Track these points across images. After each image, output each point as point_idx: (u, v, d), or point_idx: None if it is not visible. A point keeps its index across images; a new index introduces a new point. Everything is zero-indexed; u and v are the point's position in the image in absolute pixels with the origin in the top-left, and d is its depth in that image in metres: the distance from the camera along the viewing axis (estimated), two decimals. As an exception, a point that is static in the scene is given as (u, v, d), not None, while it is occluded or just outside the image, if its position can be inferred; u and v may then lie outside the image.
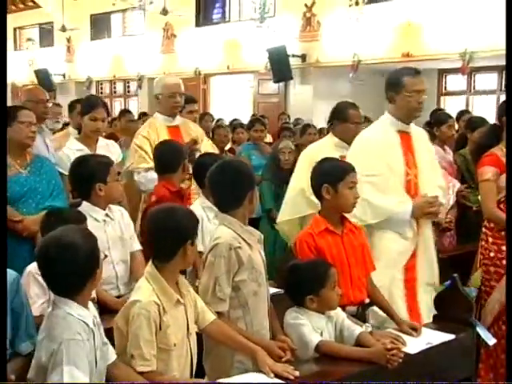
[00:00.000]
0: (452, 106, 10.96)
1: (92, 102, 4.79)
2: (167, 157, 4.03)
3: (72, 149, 4.55)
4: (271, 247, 4.96)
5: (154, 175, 4.21)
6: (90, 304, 2.38)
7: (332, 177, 3.08)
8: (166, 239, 2.47)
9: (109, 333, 2.47)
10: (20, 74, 17.65)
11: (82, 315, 2.25)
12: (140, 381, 2.35)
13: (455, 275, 3.21)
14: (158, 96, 4.75)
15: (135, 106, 15.69)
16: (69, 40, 17.11)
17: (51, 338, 2.19)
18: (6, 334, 2.31)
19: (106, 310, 3.09)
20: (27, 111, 3.97)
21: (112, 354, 2.42)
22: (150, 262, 2.54)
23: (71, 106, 6.33)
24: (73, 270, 2.21)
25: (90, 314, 2.32)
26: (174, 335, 2.46)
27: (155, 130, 4.65)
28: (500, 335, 3.61)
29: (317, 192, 3.15)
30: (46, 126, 5.07)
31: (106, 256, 2.79)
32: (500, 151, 3.89)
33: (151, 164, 4.31)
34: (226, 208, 2.79)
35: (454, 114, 6.38)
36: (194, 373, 2.61)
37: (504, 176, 3.78)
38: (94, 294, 2.99)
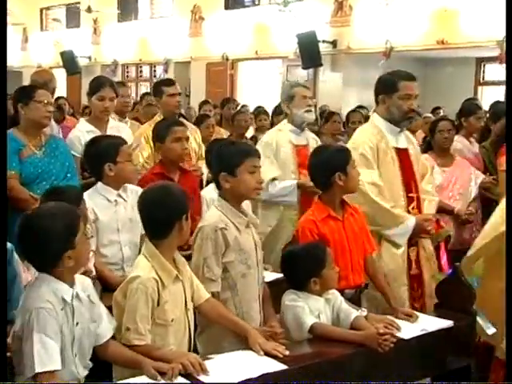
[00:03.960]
0: (490, 97, 10.57)
1: (99, 81, 4.75)
2: None
3: (82, 130, 4.54)
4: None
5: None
6: (84, 281, 2.44)
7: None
8: (162, 215, 2.53)
9: (109, 311, 2.54)
10: (45, 55, 17.56)
11: (58, 288, 2.29)
12: (128, 354, 2.39)
13: (457, 264, 3.26)
14: None
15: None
16: (95, 21, 16.93)
17: (25, 308, 2.25)
18: (6, 333, 2.25)
19: (109, 288, 3.12)
20: (43, 91, 3.97)
21: (104, 334, 2.44)
22: (147, 239, 2.60)
23: None
24: (48, 245, 2.25)
25: (72, 289, 2.34)
26: (171, 311, 2.52)
27: None
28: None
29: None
30: None
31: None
32: None
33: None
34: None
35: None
36: (191, 348, 2.66)
37: None
38: (94, 272, 3.14)
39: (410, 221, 3.65)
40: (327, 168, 3.23)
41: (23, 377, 2.23)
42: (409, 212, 3.72)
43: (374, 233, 3.54)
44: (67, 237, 2.30)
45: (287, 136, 4.50)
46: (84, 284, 2.44)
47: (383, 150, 3.69)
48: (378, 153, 3.68)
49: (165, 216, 2.53)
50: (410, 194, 3.76)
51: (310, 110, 4.53)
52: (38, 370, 2.16)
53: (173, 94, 4.78)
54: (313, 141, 4.63)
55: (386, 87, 3.73)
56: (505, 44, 9.64)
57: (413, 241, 3.74)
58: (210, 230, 2.78)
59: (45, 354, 2.18)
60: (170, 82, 4.93)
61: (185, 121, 4.97)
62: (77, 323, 2.33)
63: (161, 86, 4.84)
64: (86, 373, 2.41)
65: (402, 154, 3.78)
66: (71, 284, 2.35)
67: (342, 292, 3.07)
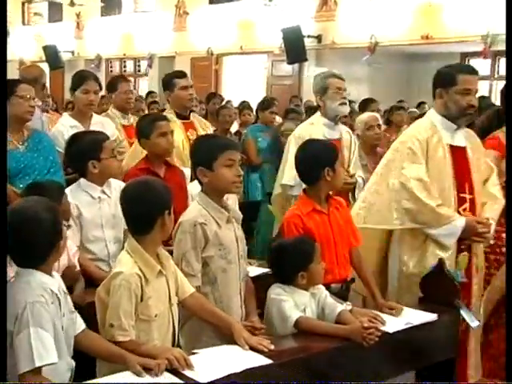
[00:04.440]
0: (473, 91, 10.63)
1: (82, 75, 4.73)
2: None
3: (65, 125, 4.48)
4: (271, 229, 5.07)
5: None
6: (55, 273, 2.43)
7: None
8: (145, 211, 2.51)
9: (94, 306, 2.54)
10: (27, 49, 17.41)
11: (46, 281, 2.30)
12: (110, 347, 2.39)
13: (441, 257, 3.26)
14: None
15: (145, 86, 15.39)
16: (78, 16, 16.82)
17: (15, 304, 2.22)
18: (6, 335, 2.21)
19: (92, 283, 3.08)
20: (26, 85, 3.91)
21: (80, 323, 2.46)
22: (130, 235, 2.58)
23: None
24: (35, 241, 2.26)
25: (56, 281, 2.36)
26: (155, 306, 2.51)
27: None
28: (500, 324, 3.58)
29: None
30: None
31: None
32: (502, 134, 3.80)
33: None
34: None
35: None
36: (176, 343, 2.65)
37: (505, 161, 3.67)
38: (78, 267, 3.12)
39: (459, 221, 3.39)
40: (316, 162, 3.21)
41: (15, 371, 2.20)
42: (459, 213, 3.44)
43: (418, 232, 3.44)
44: (56, 230, 2.30)
45: (320, 130, 4.33)
46: (56, 275, 2.45)
47: (434, 146, 3.46)
48: (428, 148, 3.45)
49: (147, 211, 2.51)
50: (462, 195, 3.51)
51: (345, 103, 4.36)
52: (37, 363, 2.15)
53: (185, 86, 4.57)
54: (346, 134, 4.48)
55: (443, 81, 3.48)
56: (489, 39, 9.75)
57: (464, 245, 3.48)
58: (188, 224, 2.77)
59: (42, 348, 2.18)
60: (181, 74, 4.69)
61: (197, 116, 4.92)
62: (63, 314, 2.35)
63: (172, 79, 4.62)
64: (73, 362, 2.42)
65: (458, 152, 3.52)
66: (52, 276, 2.37)
67: (328, 286, 3.06)
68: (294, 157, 3.41)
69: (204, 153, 2.86)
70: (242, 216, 3.01)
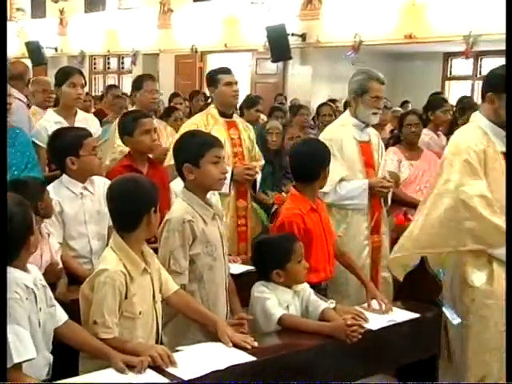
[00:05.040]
0: (457, 91, 10.70)
1: (67, 69, 4.70)
2: None
3: (50, 121, 4.44)
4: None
5: None
6: (31, 266, 2.40)
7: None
8: (131, 208, 2.50)
9: (77, 303, 2.53)
10: (10, 45, 17.17)
11: (20, 277, 2.27)
12: (94, 342, 2.38)
13: (424, 256, 3.22)
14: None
15: (129, 83, 15.27)
16: (62, 12, 16.67)
17: None
18: (6, 335, 2.18)
19: (76, 280, 3.08)
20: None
21: (61, 316, 2.45)
22: (115, 232, 2.57)
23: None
24: (9, 232, 2.22)
25: (31, 276, 2.34)
26: (139, 304, 2.50)
27: None
28: None
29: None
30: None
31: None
32: None
33: None
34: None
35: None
36: (160, 340, 2.65)
37: None
38: (61, 264, 3.10)
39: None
40: (315, 161, 3.22)
41: None
42: None
43: (480, 252, 3.13)
44: (27, 225, 2.29)
45: (351, 132, 4.05)
46: (34, 269, 2.43)
47: (491, 156, 3.14)
48: (486, 159, 3.13)
49: (133, 208, 2.50)
50: None
51: (377, 113, 4.07)
52: (15, 360, 2.14)
53: (230, 82, 4.40)
54: (375, 137, 4.20)
55: (496, 85, 3.13)
56: (471, 39, 9.81)
57: None
58: (177, 222, 2.76)
59: (20, 344, 2.17)
60: (226, 70, 4.51)
61: (236, 117, 4.71)
62: (40, 309, 2.33)
63: (216, 74, 4.45)
64: (50, 356, 2.41)
65: (507, 160, 3.21)
66: (27, 270, 2.35)
67: (320, 284, 3.11)
68: (289, 154, 3.39)
69: (191, 150, 2.85)
70: (224, 213, 3.02)
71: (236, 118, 4.67)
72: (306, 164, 3.26)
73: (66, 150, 3.37)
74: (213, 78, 4.46)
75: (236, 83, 4.44)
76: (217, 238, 2.89)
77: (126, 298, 2.46)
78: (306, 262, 2.94)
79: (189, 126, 4.33)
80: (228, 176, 3.72)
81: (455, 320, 3.20)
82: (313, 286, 3.04)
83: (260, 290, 2.88)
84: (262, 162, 4.68)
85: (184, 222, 2.75)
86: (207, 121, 4.38)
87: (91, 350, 2.40)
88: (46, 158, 4.18)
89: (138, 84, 4.98)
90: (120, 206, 2.54)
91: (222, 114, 4.44)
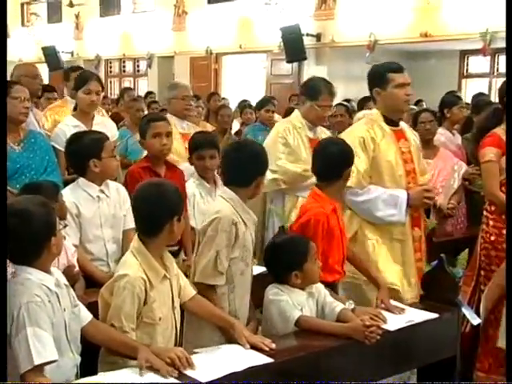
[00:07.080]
0: (474, 89, 10.60)
1: (85, 75, 4.76)
2: None
3: (68, 125, 4.50)
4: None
5: None
6: (54, 269, 2.41)
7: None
8: (154, 214, 2.49)
9: (94, 307, 2.54)
10: (26, 50, 17.38)
11: (42, 279, 2.28)
12: (122, 337, 2.39)
13: (442, 255, 3.21)
14: None
15: (145, 86, 15.37)
16: (77, 16, 16.80)
17: (12, 305, 2.21)
18: (6, 335, 2.21)
19: (93, 283, 3.13)
20: (20, 86, 3.93)
21: (86, 315, 2.46)
22: (136, 237, 2.57)
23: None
24: (26, 237, 2.24)
25: (53, 277, 2.34)
26: (159, 309, 2.50)
27: None
28: (500, 320, 3.59)
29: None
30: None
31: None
32: (501, 131, 3.76)
33: None
34: (232, 184, 2.82)
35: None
36: (178, 346, 2.63)
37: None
38: (77, 267, 3.12)
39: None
40: (342, 161, 3.18)
41: (16, 373, 2.19)
42: None
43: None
44: (49, 225, 2.29)
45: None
46: (55, 270, 2.43)
47: None
48: None
49: (155, 214, 2.49)
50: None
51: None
52: (36, 362, 2.15)
53: (402, 83, 3.60)
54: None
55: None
56: (488, 36, 9.72)
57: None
58: (226, 222, 2.73)
59: (41, 346, 2.17)
60: (398, 67, 3.68)
61: (403, 124, 3.84)
62: (64, 309, 2.34)
63: (386, 73, 3.61)
64: (78, 357, 2.41)
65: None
66: (50, 272, 2.36)
67: (333, 283, 3.11)
68: (313, 153, 3.33)
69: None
70: (256, 219, 2.98)
71: (403, 124, 3.83)
72: (331, 164, 3.19)
73: (87, 152, 3.39)
74: (381, 77, 3.63)
75: (408, 85, 3.62)
76: (250, 244, 2.88)
77: (145, 304, 2.46)
78: (319, 261, 2.93)
79: (352, 138, 3.52)
80: (403, 200, 3.51)
81: (475, 320, 3.20)
82: (326, 285, 3.02)
83: (274, 292, 2.86)
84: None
85: (233, 222, 2.74)
86: (373, 130, 3.63)
87: (119, 346, 2.39)
88: (65, 161, 4.21)
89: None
90: (144, 211, 2.54)
91: (388, 122, 3.68)
